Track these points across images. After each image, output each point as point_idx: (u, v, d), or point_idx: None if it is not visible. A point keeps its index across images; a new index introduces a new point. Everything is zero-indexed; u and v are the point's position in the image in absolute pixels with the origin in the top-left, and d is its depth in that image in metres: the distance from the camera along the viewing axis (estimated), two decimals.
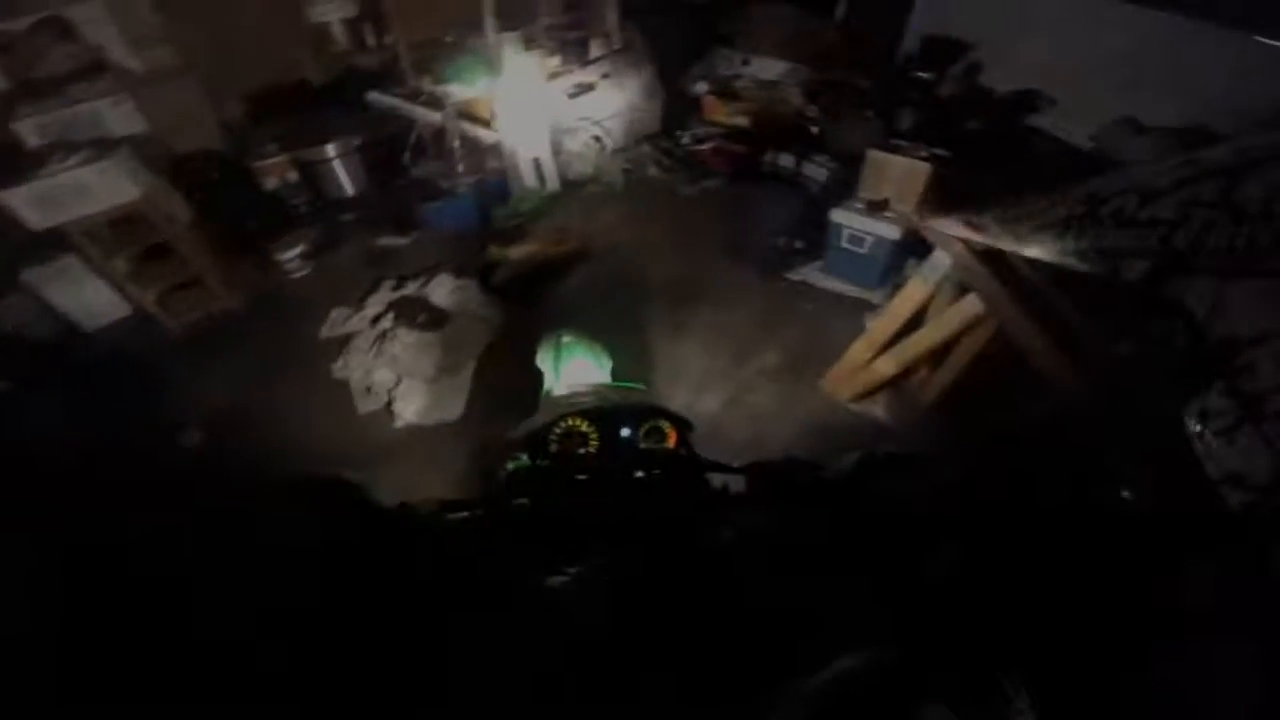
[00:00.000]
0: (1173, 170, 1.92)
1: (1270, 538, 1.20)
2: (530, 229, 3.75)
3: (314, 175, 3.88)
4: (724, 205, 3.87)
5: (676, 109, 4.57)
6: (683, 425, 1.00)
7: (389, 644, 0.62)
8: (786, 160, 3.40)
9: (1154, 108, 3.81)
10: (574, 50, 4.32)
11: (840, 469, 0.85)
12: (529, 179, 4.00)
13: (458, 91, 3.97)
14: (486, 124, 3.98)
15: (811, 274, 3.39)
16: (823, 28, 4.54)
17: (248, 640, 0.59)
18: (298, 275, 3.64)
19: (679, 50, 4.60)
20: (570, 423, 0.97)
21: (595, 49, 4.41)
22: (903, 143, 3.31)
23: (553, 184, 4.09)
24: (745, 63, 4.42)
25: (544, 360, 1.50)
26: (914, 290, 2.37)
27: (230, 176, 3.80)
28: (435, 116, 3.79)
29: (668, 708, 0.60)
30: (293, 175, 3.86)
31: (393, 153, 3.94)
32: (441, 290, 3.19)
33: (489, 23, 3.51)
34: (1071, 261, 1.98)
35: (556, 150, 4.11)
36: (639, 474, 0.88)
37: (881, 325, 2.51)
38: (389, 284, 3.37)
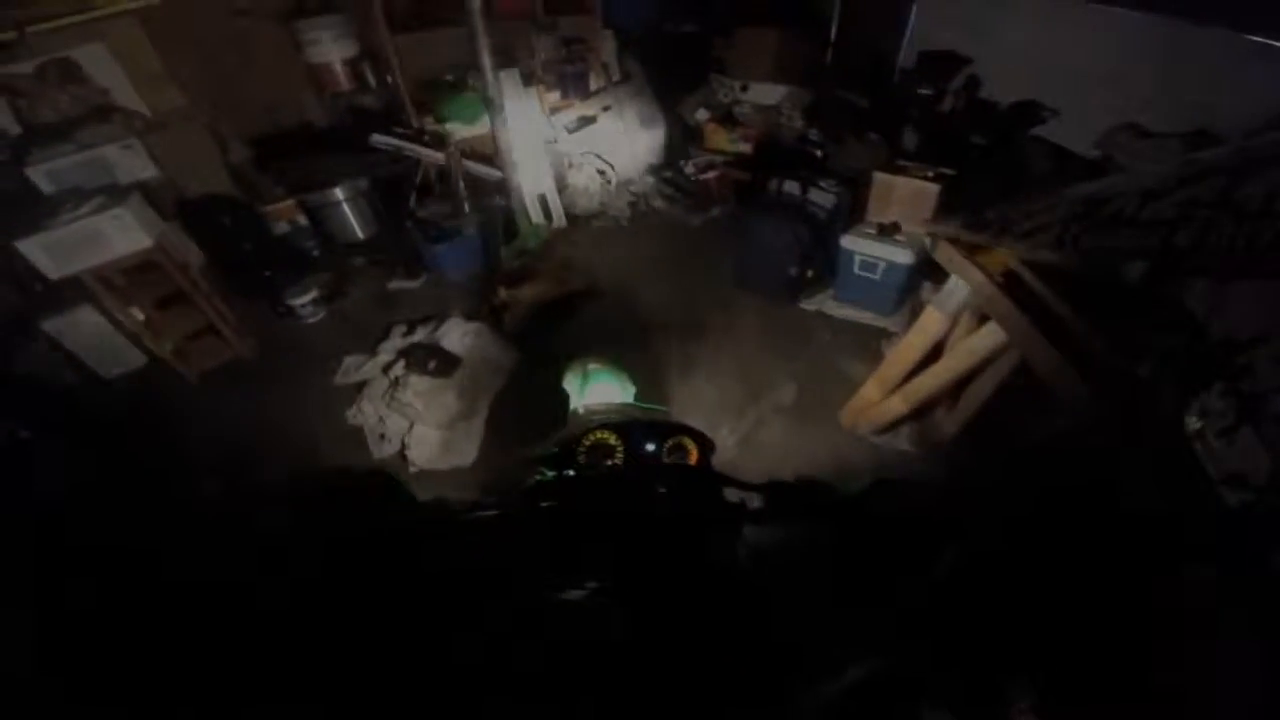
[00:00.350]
0: (1173, 170, 1.93)
1: (1270, 538, 1.19)
2: (538, 267, 3.75)
3: (323, 219, 3.91)
4: (732, 234, 3.85)
5: (678, 138, 4.60)
6: (704, 443, 1.04)
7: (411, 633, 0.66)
8: (791, 187, 3.39)
9: (1157, 113, 3.78)
10: (574, 84, 4.37)
11: (853, 491, 0.88)
12: (535, 215, 4.02)
13: (460, 130, 4.02)
14: (490, 161, 4.02)
15: (825, 302, 3.37)
16: (818, 49, 4.56)
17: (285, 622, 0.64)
18: (311, 321, 3.66)
19: (678, 79, 4.64)
20: (598, 435, 1.01)
21: (595, 82, 4.46)
22: (908, 163, 3.30)
23: (559, 220, 4.12)
24: (744, 88, 4.44)
25: (571, 384, 1.56)
26: (930, 322, 2.34)
27: (241, 221, 3.84)
28: (439, 156, 3.83)
29: (682, 713, 0.62)
30: (301, 219, 3.90)
31: (399, 194, 3.97)
32: (453, 335, 3.19)
33: (485, 61, 3.55)
34: (1071, 263, 1.94)
35: (561, 185, 4.14)
36: (661, 488, 0.90)
37: (897, 359, 2.47)
38: (400, 329, 3.37)
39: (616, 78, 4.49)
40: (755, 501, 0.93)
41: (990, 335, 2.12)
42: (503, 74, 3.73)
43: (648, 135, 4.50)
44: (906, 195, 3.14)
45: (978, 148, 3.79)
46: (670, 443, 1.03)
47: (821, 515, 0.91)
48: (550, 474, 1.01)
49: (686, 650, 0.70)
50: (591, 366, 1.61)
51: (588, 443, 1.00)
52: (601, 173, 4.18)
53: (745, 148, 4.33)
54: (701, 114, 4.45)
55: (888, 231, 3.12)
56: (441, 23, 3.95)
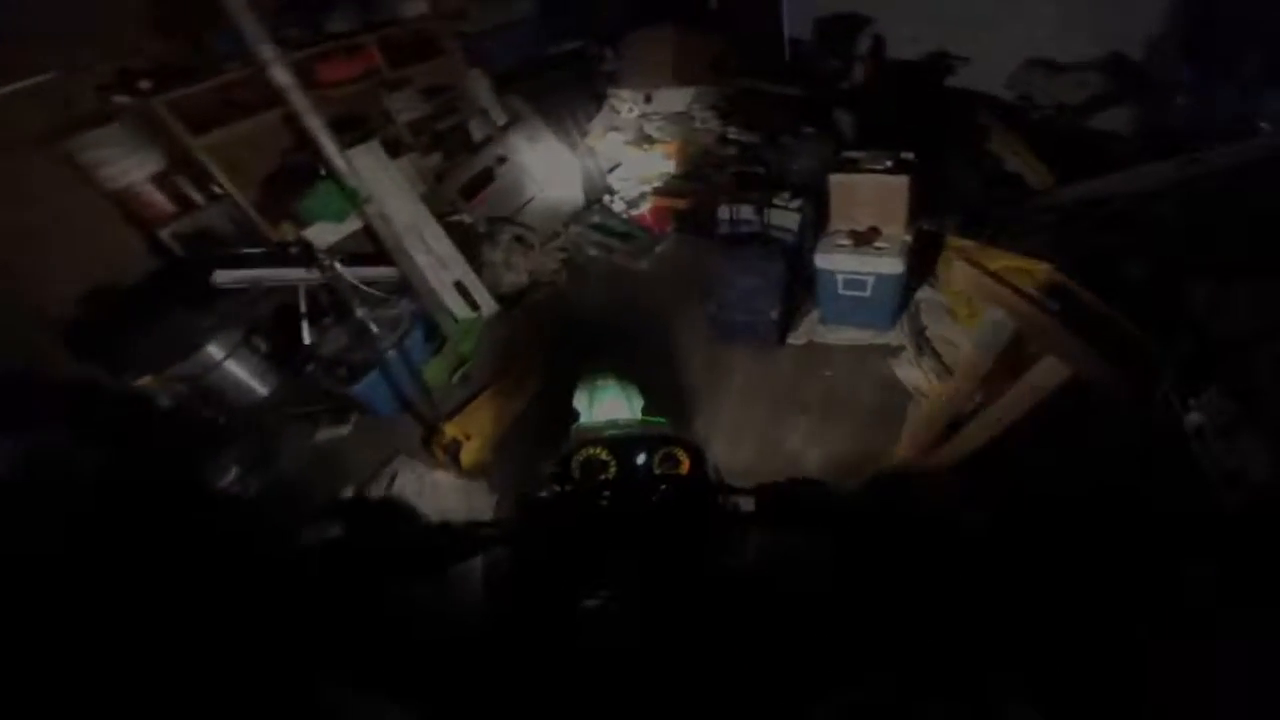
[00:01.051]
0: (1173, 170, 1.86)
1: (1270, 538, 1.20)
2: (481, 378, 3.17)
3: (209, 384, 3.10)
4: (687, 272, 3.43)
5: (595, 173, 4.06)
6: (696, 452, 1.07)
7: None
8: (748, 214, 3.00)
9: (1064, 43, 3.70)
10: (453, 140, 3.72)
11: (848, 490, 1.11)
12: (458, 309, 3.40)
13: (330, 231, 3.31)
14: (381, 260, 3.34)
15: (814, 329, 3.03)
16: (715, 39, 4.14)
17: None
18: (245, 500, 2.92)
19: (573, 107, 4.08)
20: (590, 452, 1.05)
21: (478, 131, 3.82)
22: (858, 154, 2.99)
23: (488, 306, 3.51)
24: (648, 99, 3.97)
25: (580, 401, 1.62)
26: (973, 365, 2.04)
27: (120, 408, 2.97)
28: (312, 276, 3.10)
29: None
30: (181, 387, 3.09)
31: (291, 329, 3.21)
32: (408, 493, 2.61)
33: (327, 145, 2.86)
34: (1072, 261, 1.86)
35: (477, 264, 3.52)
36: (654, 497, 0.94)
37: (937, 410, 2.17)
38: (347, 494, 2.74)
39: (502, 122, 3.87)
40: (748, 505, 1.00)
41: (1053, 372, 1.84)
42: (356, 152, 3.05)
43: (559, 180, 3.94)
44: (873, 195, 2.83)
45: (915, 114, 3.54)
46: (661, 453, 1.07)
47: (814, 517, 0.96)
48: (545, 494, 1.07)
49: (697, 653, 0.77)
50: (599, 382, 1.65)
51: (580, 458, 1.05)
52: (519, 238, 3.60)
53: (669, 166, 3.88)
54: (612, 139, 3.94)
55: (865, 240, 2.80)
56: (253, 109, 3.16)
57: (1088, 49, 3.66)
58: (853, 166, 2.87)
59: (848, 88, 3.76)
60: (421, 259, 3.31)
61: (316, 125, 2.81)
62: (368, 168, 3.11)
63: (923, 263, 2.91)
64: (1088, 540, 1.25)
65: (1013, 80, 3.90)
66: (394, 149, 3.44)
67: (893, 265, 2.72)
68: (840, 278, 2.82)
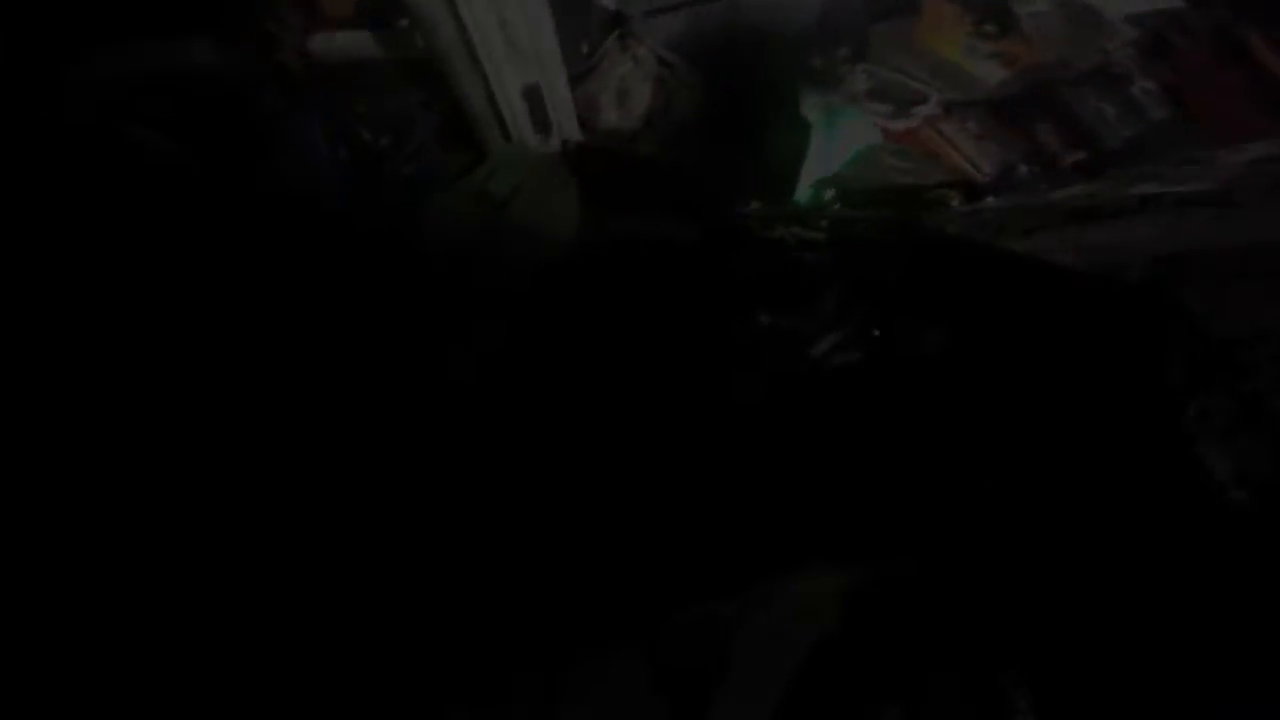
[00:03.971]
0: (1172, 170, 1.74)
1: (1270, 538, 1.10)
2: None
3: None
4: None
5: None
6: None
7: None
8: None
9: None
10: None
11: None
12: (515, 126, 1.83)
13: None
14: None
15: None
16: None
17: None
18: None
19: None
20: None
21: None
22: None
23: (561, 132, 1.88)
24: None
25: (814, 117, 1.62)
26: None
27: None
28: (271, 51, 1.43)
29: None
30: None
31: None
32: None
33: None
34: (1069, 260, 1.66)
35: (580, 72, 1.77)
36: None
37: None
38: None
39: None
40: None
41: None
42: None
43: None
44: None
45: None
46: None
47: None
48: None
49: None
50: (835, 101, 1.52)
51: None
52: (667, 62, 1.77)
53: (1000, 75, 1.87)
54: (861, 79, 1.64)
55: None
56: None
57: None
58: None
59: None
60: (481, 28, 1.60)
61: None
62: None
63: None
64: (1088, 541, 1.17)
65: None
66: None
67: None
68: None
